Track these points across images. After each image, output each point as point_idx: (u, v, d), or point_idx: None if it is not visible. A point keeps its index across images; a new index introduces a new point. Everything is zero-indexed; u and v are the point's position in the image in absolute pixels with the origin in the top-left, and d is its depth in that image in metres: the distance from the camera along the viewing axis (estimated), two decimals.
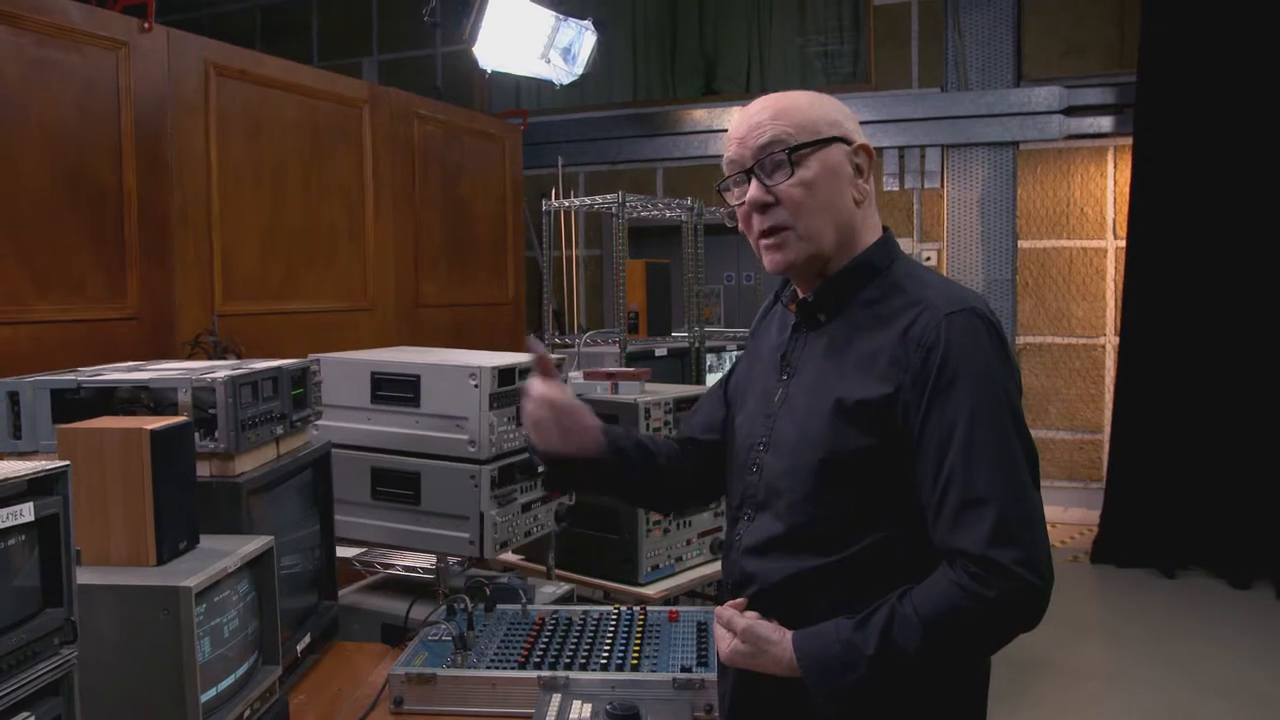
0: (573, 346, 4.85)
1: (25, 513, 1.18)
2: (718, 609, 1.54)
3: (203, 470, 1.84)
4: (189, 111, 3.96)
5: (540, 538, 2.73)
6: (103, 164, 3.63)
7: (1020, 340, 7.33)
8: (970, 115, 7.32)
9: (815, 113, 1.51)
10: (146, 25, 3.75)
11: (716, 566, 3.25)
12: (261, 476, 1.97)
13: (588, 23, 5.97)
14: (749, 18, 8.26)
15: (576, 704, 1.79)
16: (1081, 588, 6.00)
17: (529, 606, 2.26)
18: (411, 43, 8.74)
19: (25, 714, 1.17)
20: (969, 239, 7.42)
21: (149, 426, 1.58)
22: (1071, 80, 7.16)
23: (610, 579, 3.13)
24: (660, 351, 4.73)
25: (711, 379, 4.88)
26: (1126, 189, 6.67)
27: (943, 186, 7.50)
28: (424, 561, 2.73)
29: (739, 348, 5.13)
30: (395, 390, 2.52)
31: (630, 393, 3.23)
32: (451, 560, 2.63)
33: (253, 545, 1.69)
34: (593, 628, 2.14)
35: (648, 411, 3.11)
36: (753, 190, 1.50)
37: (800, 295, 1.58)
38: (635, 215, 4.71)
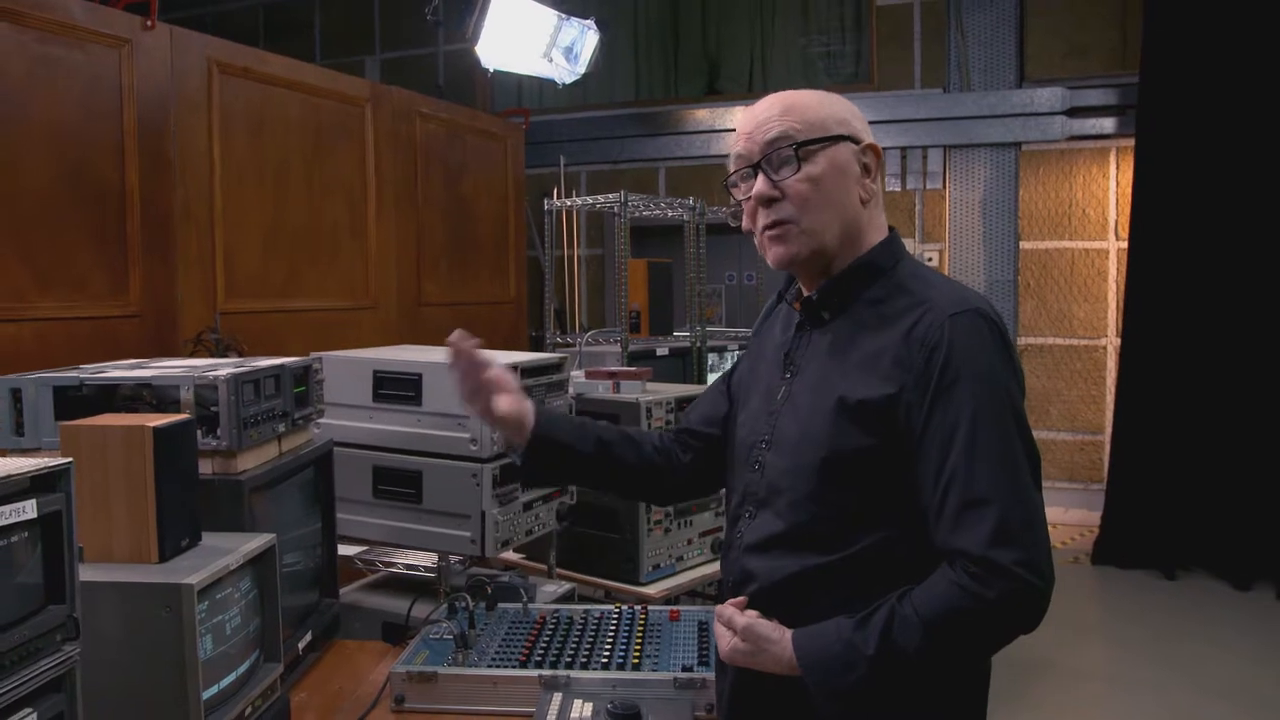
0: (574, 346, 4.84)
1: (28, 509, 1.18)
2: (718, 607, 1.54)
3: (205, 468, 1.84)
4: (192, 109, 3.96)
5: (541, 536, 2.74)
6: (105, 162, 3.63)
7: (1022, 341, 7.32)
8: (972, 116, 7.32)
9: (824, 111, 1.51)
10: (149, 23, 3.75)
11: (718, 566, 3.25)
12: (263, 474, 1.97)
13: (590, 22, 5.97)
14: (751, 18, 8.26)
15: (577, 703, 1.79)
16: (1082, 589, 6.00)
17: (530, 605, 2.26)
18: (414, 41, 8.74)
19: (28, 710, 1.17)
20: (971, 240, 7.42)
21: (151, 424, 1.58)
22: (1074, 81, 7.15)
23: (611, 578, 3.13)
24: (662, 351, 4.73)
25: (713, 378, 4.88)
26: (1129, 190, 6.67)
27: (945, 187, 7.50)
28: (425, 560, 2.73)
29: (740, 347, 5.13)
30: (397, 389, 2.52)
31: (632, 392, 3.23)
32: (453, 559, 2.63)
33: (255, 543, 1.69)
34: (594, 627, 2.14)
35: (649, 411, 3.11)
36: (759, 185, 1.51)
37: (805, 294, 1.58)
38: (637, 215, 4.71)
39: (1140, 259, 6.39)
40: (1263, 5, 5.97)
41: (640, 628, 2.13)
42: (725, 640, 1.49)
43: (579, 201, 4.82)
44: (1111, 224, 7.18)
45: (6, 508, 1.15)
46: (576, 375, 3.29)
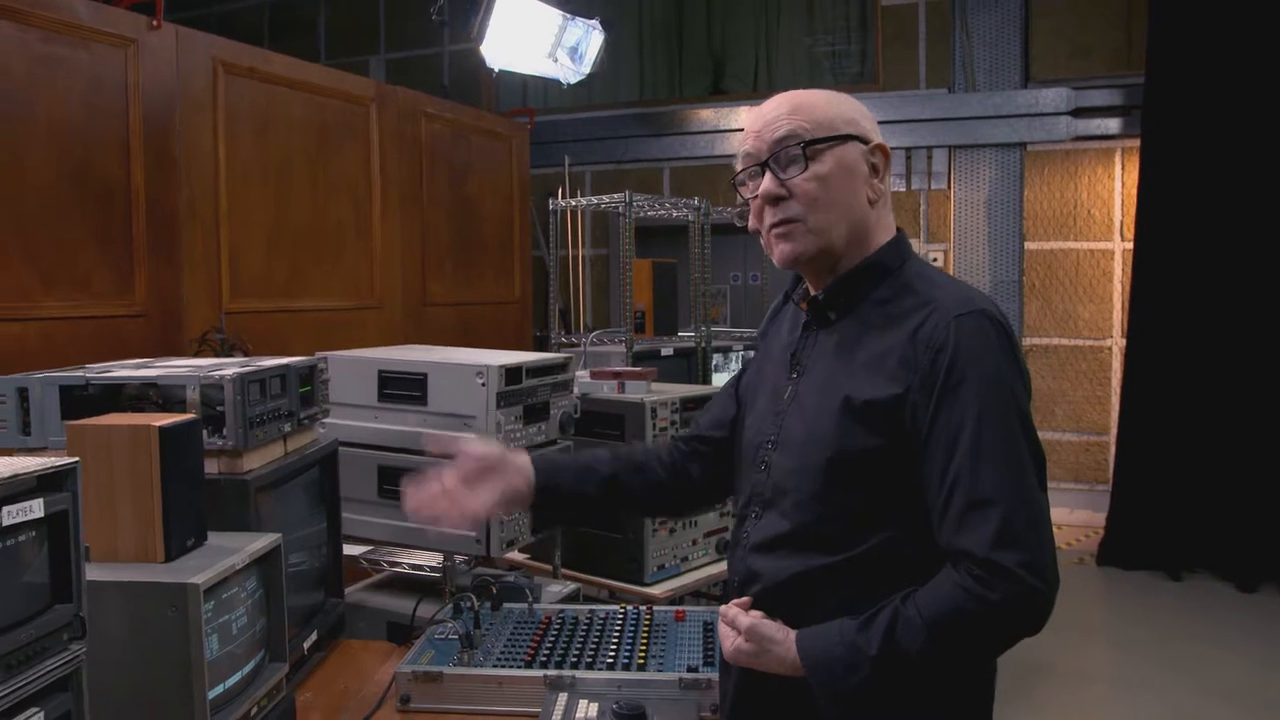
0: (579, 346, 4.84)
1: (35, 509, 1.18)
2: (722, 607, 1.54)
3: (211, 467, 1.84)
4: (197, 109, 3.97)
5: (546, 537, 2.73)
6: (110, 161, 3.64)
7: (1027, 342, 7.31)
8: (977, 116, 7.31)
9: (833, 110, 1.51)
10: (155, 23, 3.76)
11: (722, 566, 3.25)
12: (269, 474, 1.97)
13: (595, 22, 5.97)
14: (757, 17, 8.25)
15: (583, 703, 1.79)
16: (1087, 590, 5.99)
17: (535, 605, 2.26)
18: (419, 41, 8.75)
19: (34, 709, 1.17)
20: (976, 240, 7.41)
21: (157, 423, 1.58)
22: (1079, 82, 7.14)
23: (616, 578, 3.13)
24: (666, 351, 4.72)
25: (718, 378, 4.88)
26: (1134, 191, 6.66)
27: (949, 187, 7.49)
28: (430, 560, 2.73)
29: (746, 348, 5.12)
30: (402, 389, 2.52)
31: (636, 392, 3.23)
32: (458, 559, 2.63)
33: (260, 542, 1.69)
34: (599, 627, 2.14)
35: (654, 411, 3.10)
36: (766, 183, 1.51)
37: (811, 294, 1.58)
38: (642, 215, 4.70)
39: (1145, 260, 6.38)
40: (1268, 5, 5.95)
41: (645, 628, 2.12)
42: (729, 640, 1.49)
43: (584, 201, 4.81)
44: (1116, 224, 7.17)
45: (13, 507, 1.15)
46: (581, 375, 3.29)
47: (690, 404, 3.23)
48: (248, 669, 1.64)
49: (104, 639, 1.36)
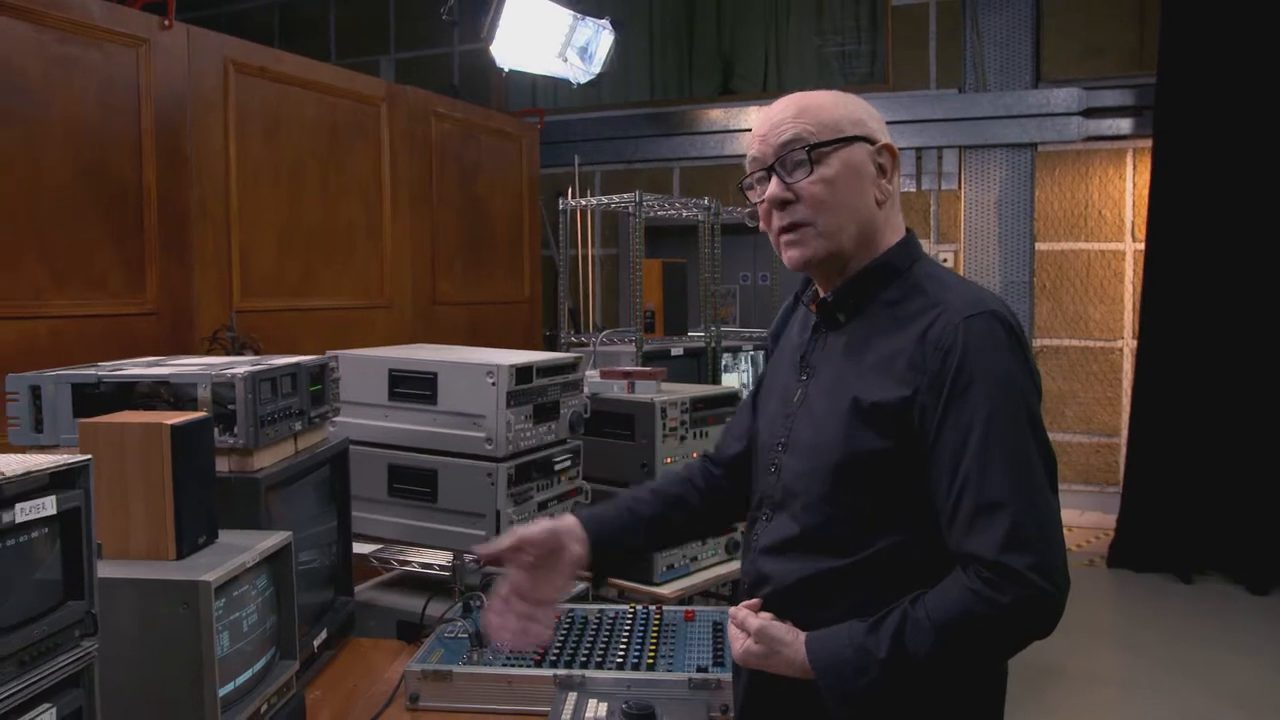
0: (589, 345, 4.84)
1: (48, 506, 1.19)
2: (732, 609, 1.53)
3: (222, 465, 1.85)
4: (208, 108, 3.98)
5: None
6: (123, 160, 3.65)
7: (1037, 343, 7.29)
8: (988, 116, 7.29)
9: (839, 111, 1.50)
10: (167, 23, 3.77)
11: (732, 567, 3.25)
12: (280, 472, 1.98)
13: (605, 22, 5.97)
14: (766, 18, 8.24)
15: (592, 703, 1.79)
16: (1097, 592, 5.97)
17: None
18: (429, 41, 8.76)
19: (46, 705, 1.18)
20: (986, 241, 7.39)
21: (169, 421, 1.58)
22: (1090, 82, 7.12)
23: (625, 578, 3.13)
24: (676, 351, 4.72)
25: (728, 379, 4.88)
26: (1145, 191, 6.63)
27: (960, 188, 7.47)
28: (440, 558, 2.73)
29: (755, 348, 5.12)
30: (413, 388, 2.52)
31: (646, 392, 3.23)
32: (467, 557, 2.63)
33: (271, 540, 1.70)
34: (608, 626, 2.14)
35: (664, 411, 3.10)
36: (773, 187, 1.50)
37: (820, 295, 1.57)
38: (652, 215, 4.70)
39: (1157, 261, 6.35)
40: None
41: (655, 628, 2.13)
42: (739, 642, 1.49)
43: (593, 201, 4.82)
44: (1128, 225, 7.14)
45: (27, 504, 1.15)
46: (591, 375, 3.29)
47: (700, 404, 3.23)
48: (258, 666, 1.64)
49: (115, 636, 1.37)
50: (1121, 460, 6.88)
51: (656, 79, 8.64)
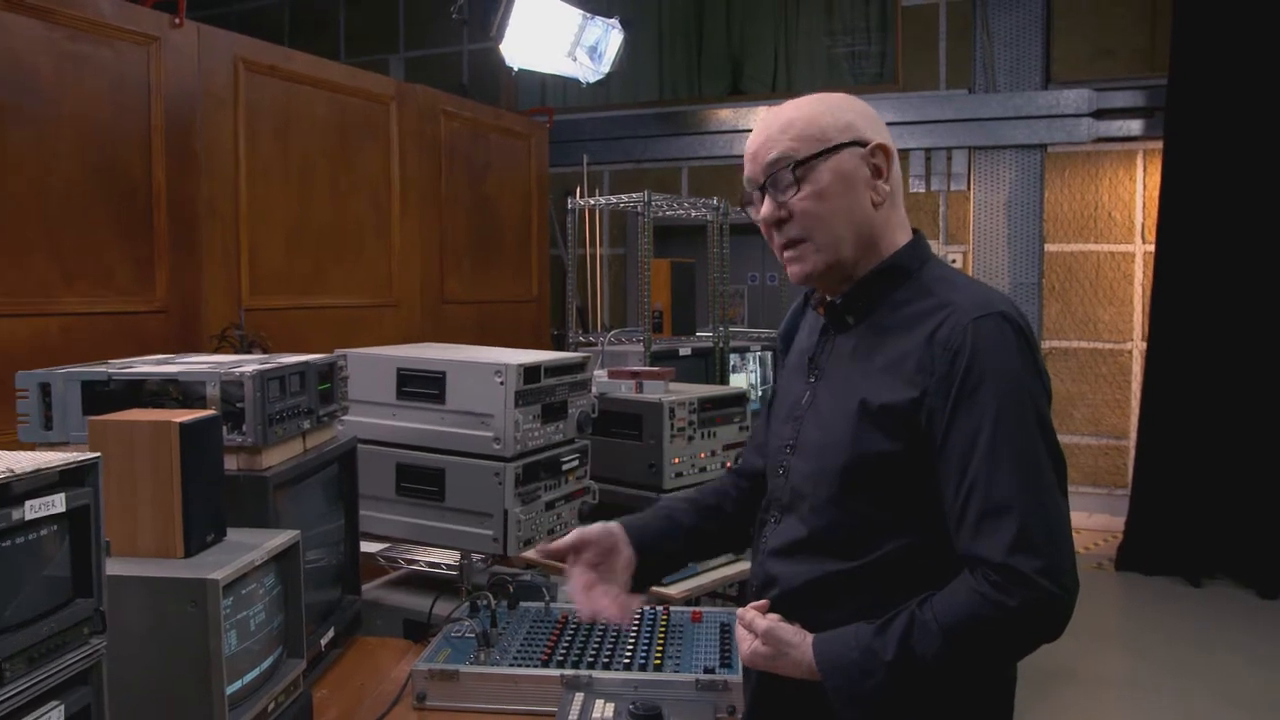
0: (596, 345, 4.84)
1: (57, 503, 1.19)
2: (740, 610, 1.53)
3: (230, 464, 1.85)
4: (218, 106, 3.99)
5: (563, 536, 2.73)
6: (133, 158, 3.66)
7: (1046, 344, 7.27)
8: (998, 117, 7.27)
9: (824, 120, 1.48)
10: (177, 21, 3.78)
11: (739, 567, 3.24)
12: (288, 471, 1.98)
13: (614, 21, 5.97)
14: (776, 18, 8.23)
15: (599, 703, 1.79)
16: (1105, 595, 5.95)
17: (552, 605, 2.26)
18: (438, 40, 8.76)
19: (55, 702, 1.18)
20: (995, 242, 7.37)
21: (178, 419, 1.59)
22: (1101, 83, 7.09)
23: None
24: (684, 351, 4.72)
25: (736, 379, 4.87)
26: (1155, 193, 6.61)
27: (969, 189, 7.45)
28: (447, 558, 2.73)
29: (763, 348, 5.11)
30: (421, 386, 2.52)
31: (654, 392, 3.23)
32: (475, 557, 2.64)
33: (279, 539, 1.70)
34: (616, 627, 2.13)
35: (672, 411, 3.10)
36: (765, 208, 1.51)
37: (829, 298, 1.57)
38: (660, 214, 4.70)
39: (1167, 263, 6.33)
40: None
41: (662, 628, 2.12)
42: (746, 643, 1.48)
43: (602, 201, 4.81)
44: (1138, 227, 7.12)
45: (36, 501, 1.15)
46: (599, 375, 3.29)
47: (708, 404, 3.22)
48: (265, 665, 1.64)
49: (124, 633, 1.37)
50: (1130, 463, 6.86)
51: (665, 78, 8.63)
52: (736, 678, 1.83)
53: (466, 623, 2.11)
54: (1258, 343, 6.00)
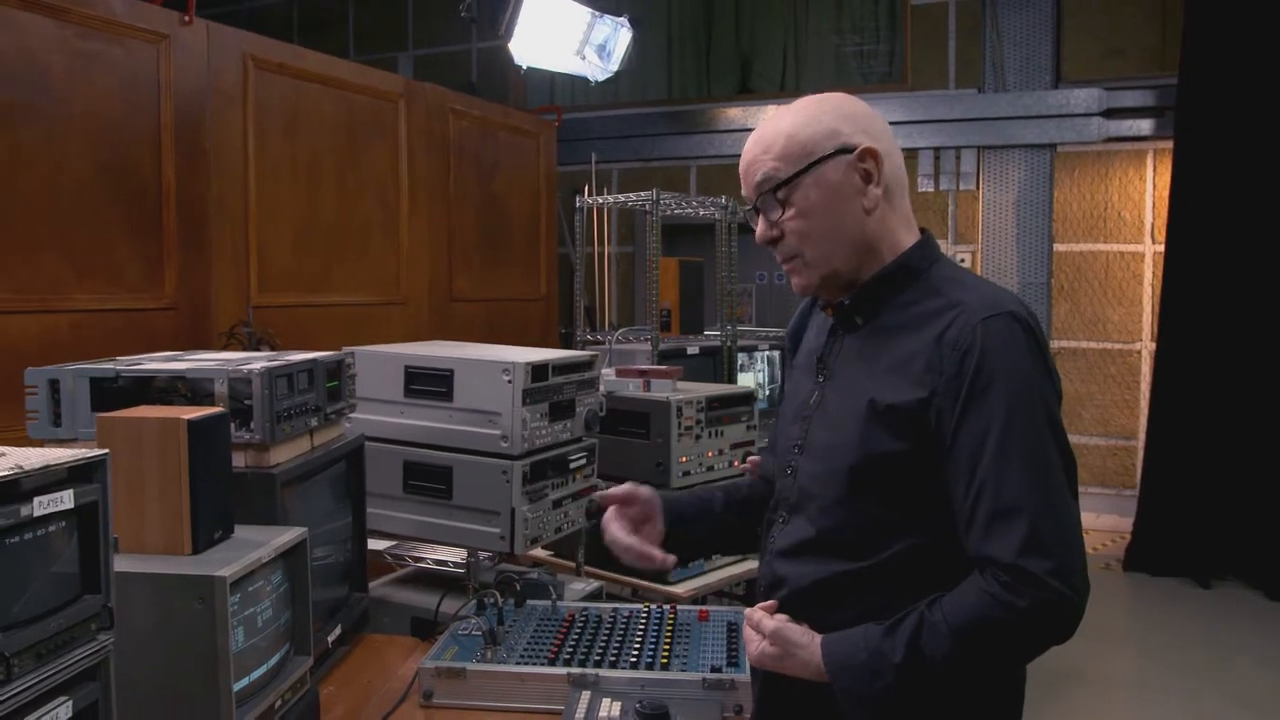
0: (604, 344, 4.84)
1: (65, 500, 1.19)
2: (748, 611, 1.53)
3: (238, 461, 1.85)
4: (227, 104, 3.99)
5: (570, 534, 2.73)
6: (143, 156, 3.67)
7: (1055, 345, 7.25)
8: (1007, 117, 7.25)
9: (807, 132, 1.47)
10: (187, 19, 3.79)
11: (746, 566, 3.24)
12: (296, 468, 1.98)
13: (623, 19, 5.96)
14: (785, 16, 8.22)
15: (606, 702, 1.79)
16: (1114, 596, 5.93)
17: (559, 603, 2.26)
18: (447, 38, 8.78)
19: (63, 698, 1.18)
20: (1004, 241, 7.35)
21: (186, 416, 1.59)
22: (1111, 82, 7.07)
23: (639, 576, 3.13)
24: (692, 350, 4.71)
25: (743, 378, 4.87)
26: (1165, 193, 6.59)
27: (978, 188, 7.43)
28: (454, 555, 2.73)
29: (771, 347, 5.11)
30: (428, 384, 2.52)
31: (662, 391, 3.23)
32: (482, 555, 2.64)
33: (286, 536, 1.70)
34: (623, 625, 2.13)
35: (679, 410, 3.10)
36: (759, 229, 1.53)
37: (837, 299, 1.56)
38: (669, 213, 4.70)
39: (1177, 263, 6.31)
40: None
41: (669, 627, 2.12)
42: (754, 644, 1.48)
43: (610, 199, 4.81)
44: (1148, 227, 7.10)
45: (44, 498, 1.16)
46: (607, 373, 3.29)
47: (716, 403, 3.22)
48: (273, 662, 1.64)
49: (131, 630, 1.37)
50: (1139, 463, 6.84)
51: (674, 77, 8.63)
52: (744, 677, 1.83)
53: (473, 620, 2.11)
54: (1268, 344, 5.97)
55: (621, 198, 4.74)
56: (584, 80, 6.38)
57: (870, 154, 1.47)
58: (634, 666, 1.93)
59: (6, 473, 1.10)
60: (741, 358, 4.94)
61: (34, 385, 1.90)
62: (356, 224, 4.67)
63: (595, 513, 2.72)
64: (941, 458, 1.38)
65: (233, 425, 1.82)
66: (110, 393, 1.88)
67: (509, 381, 2.40)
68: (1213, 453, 6.07)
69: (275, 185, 4.22)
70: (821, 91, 1.56)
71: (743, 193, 1.55)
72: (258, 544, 1.63)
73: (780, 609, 1.49)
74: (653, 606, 2.25)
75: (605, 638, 2.07)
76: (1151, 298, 7.02)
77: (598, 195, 5.33)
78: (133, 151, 3.63)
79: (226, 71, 3.99)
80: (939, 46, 7.55)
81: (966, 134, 7.35)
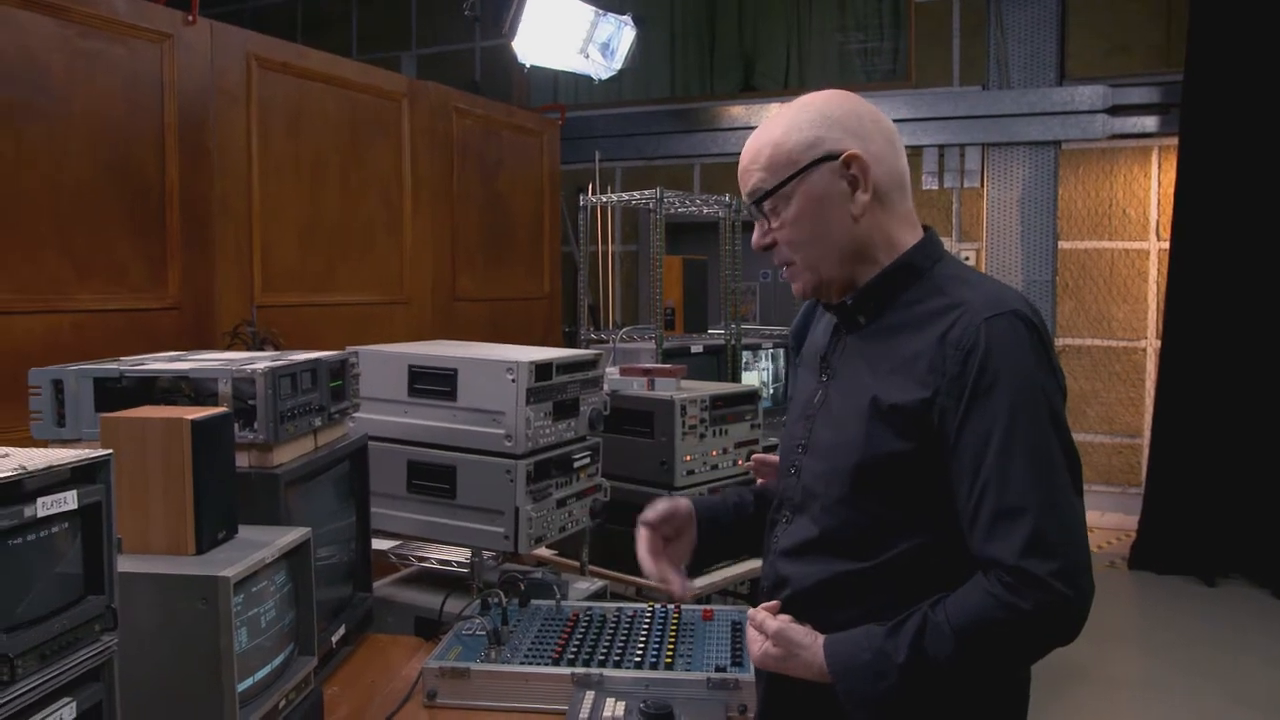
0: (608, 342, 4.84)
1: (69, 500, 1.19)
2: (751, 611, 1.52)
3: (242, 461, 1.85)
4: (231, 103, 4.00)
5: (574, 533, 2.73)
6: (146, 155, 3.67)
7: (1059, 342, 7.24)
8: (1012, 114, 7.24)
9: (791, 141, 1.47)
10: (190, 18, 3.79)
11: (749, 565, 3.24)
12: (300, 468, 1.98)
13: (627, 18, 5.96)
14: (788, 14, 8.22)
15: (610, 701, 1.79)
16: (1119, 594, 5.93)
17: (563, 603, 2.25)
18: (450, 37, 8.78)
19: (67, 699, 1.18)
20: (1009, 239, 7.34)
21: (190, 416, 1.59)
22: (1116, 79, 7.05)
23: (644, 576, 3.12)
24: (696, 348, 4.71)
25: (747, 376, 4.86)
26: (1170, 190, 6.58)
27: (983, 186, 7.42)
28: (459, 555, 2.73)
29: (775, 345, 5.10)
30: (432, 384, 2.52)
31: (666, 389, 3.22)
32: (486, 554, 2.63)
33: (290, 536, 1.70)
34: (626, 625, 2.13)
35: (683, 409, 3.09)
36: (755, 236, 1.55)
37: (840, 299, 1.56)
38: (672, 211, 4.69)
39: (1182, 260, 6.30)
40: None
41: (673, 627, 2.12)
42: (757, 645, 1.47)
43: (614, 198, 4.81)
44: (1153, 224, 7.08)
45: (48, 498, 1.15)
46: (611, 372, 3.29)
47: (719, 401, 3.21)
48: (277, 662, 1.64)
49: (135, 630, 1.37)
50: (1144, 461, 6.83)
51: (678, 75, 8.62)
52: (748, 676, 1.82)
53: (477, 620, 2.11)
54: (1273, 341, 5.96)
55: (625, 196, 4.74)
56: (587, 79, 6.39)
57: (855, 160, 1.45)
58: (638, 666, 1.93)
59: (10, 473, 1.10)
60: (745, 356, 4.94)
61: (37, 385, 1.90)
62: (360, 223, 4.67)
63: (599, 512, 2.73)
64: (945, 458, 1.37)
65: (236, 425, 1.82)
66: (114, 393, 1.88)
67: (513, 381, 2.40)
68: (1218, 450, 6.06)
69: (279, 184, 4.22)
70: (825, 89, 1.55)
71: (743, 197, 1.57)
72: (261, 544, 1.62)
73: (784, 609, 1.48)
74: (657, 606, 2.25)
75: (609, 637, 2.06)
76: (1156, 295, 7.01)
77: (601, 194, 5.33)
78: (136, 151, 3.63)
79: (230, 71, 3.99)
80: (943, 44, 7.54)
81: (971, 131, 7.34)
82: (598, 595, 2.71)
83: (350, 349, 2.37)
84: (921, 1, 7.60)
